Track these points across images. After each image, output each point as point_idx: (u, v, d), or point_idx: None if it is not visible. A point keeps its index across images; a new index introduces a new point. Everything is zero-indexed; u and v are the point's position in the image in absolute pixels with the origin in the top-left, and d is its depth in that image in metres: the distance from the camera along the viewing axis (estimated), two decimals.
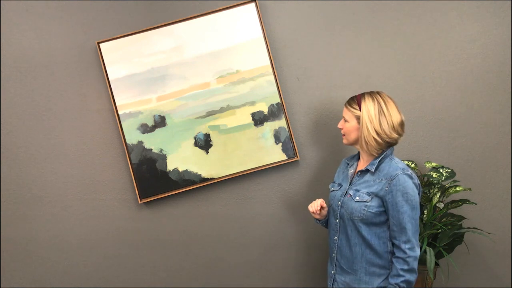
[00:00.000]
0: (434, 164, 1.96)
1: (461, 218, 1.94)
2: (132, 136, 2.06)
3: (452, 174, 1.91)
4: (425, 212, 1.89)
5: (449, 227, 1.89)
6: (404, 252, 1.52)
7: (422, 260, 1.88)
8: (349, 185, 1.67)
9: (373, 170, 1.60)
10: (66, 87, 2.10)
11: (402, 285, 1.52)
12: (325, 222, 1.80)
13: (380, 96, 1.61)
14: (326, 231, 2.11)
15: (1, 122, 2.10)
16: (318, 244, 2.13)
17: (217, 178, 2.07)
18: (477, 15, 2.11)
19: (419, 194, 1.57)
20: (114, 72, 2.06)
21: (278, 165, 2.09)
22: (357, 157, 1.74)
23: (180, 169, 2.07)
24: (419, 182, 1.59)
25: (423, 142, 2.12)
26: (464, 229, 1.89)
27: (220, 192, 2.13)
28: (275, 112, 2.08)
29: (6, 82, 2.10)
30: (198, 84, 2.07)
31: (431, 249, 1.80)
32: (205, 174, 2.08)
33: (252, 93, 2.07)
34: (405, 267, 1.51)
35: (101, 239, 2.12)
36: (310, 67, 2.12)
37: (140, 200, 2.06)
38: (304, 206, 2.11)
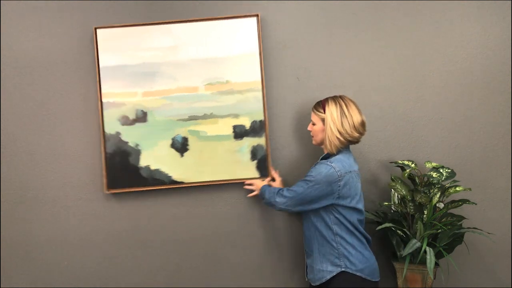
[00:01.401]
0: (434, 164, 1.96)
1: (461, 218, 1.93)
2: (111, 126, 2.06)
3: (452, 174, 1.91)
4: (425, 212, 1.89)
5: (449, 227, 1.89)
6: (283, 190, 1.82)
7: (422, 260, 1.89)
8: None
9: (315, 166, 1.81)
10: (66, 87, 2.10)
11: (275, 192, 1.84)
12: None
13: (342, 99, 1.79)
14: None
15: (1, 122, 2.10)
16: None
17: (186, 183, 2.07)
18: (477, 15, 2.11)
19: (334, 189, 1.71)
20: (105, 59, 2.05)
21: None
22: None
23: (152, 167, 2.07)
24: (338, 179, 1.71)
25: (423, 142, 2.12)
26: (464, 229, 1.89)
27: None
28: (256, 129, 2.08)
29: (6, 82, 2.10)
30: (186, 87, 2.08)
31: (431, 249, 1.80)
32: (175, 176, 2.07)
33: (238, 106, 2.07)
34: (282, 192, 1.81)
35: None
36: (310, 67, 2.12)
37: (107, 190, 2.06)
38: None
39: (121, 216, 2.13)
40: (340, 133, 1.75)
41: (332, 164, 1.72)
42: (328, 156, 1.83)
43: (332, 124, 1.76)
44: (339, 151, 1.79)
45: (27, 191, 2.11)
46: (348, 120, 1.75)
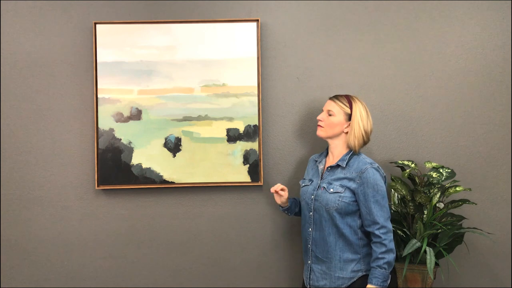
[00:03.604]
0: (434, 164, 1.96)
1: (461, 218, 1.94)
2: (105, 122, 2.06)
3: (452, 174, 1.91)
4: (425, 212, 1.89)
5: (449, 227, 1.89)
6: (379, 237, 1.64)
7: (422, 260, 1.89)
8: (321, 179, 1.78)
9: (344, 165, 1.73)
10: (65, 84, 2.10)
11: (384, 266, 1.63)
12: (287, 209, 1.94)
13: (362, 101, 1.78)
14: None
15: (1, 122, 2.10)
16: None
17: (177, 183, 2.07)
18: (477, 15, 2.11)
19: (385, 183, 1.72)
20: (103, 55, 2.06)
21: (239, 185, 2.11)
22: (325, 153, 1.86)
23: (144, 166, 2.07)
24: (385, 174, 1.74)
25: (423, 142, 2.12)
26: (464, 229, 1.89)
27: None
28: (250, 133, 2.08)
29: (4, 79, 2.10)
30: (182, 88, 2.07)
31: (431, 249, 1.80)
32: (166, 176, 2.07)
33: (233, 109, 2.07)
34: (383, 249, 1.63)
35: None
36: (310, 67, 2.12)
37: (98, 186, 2.06)
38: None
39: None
40: (365, 132, 1.73)
41: (376, 165, 1.70)
42: (346, 156, 1.75)
43: (360, 121, 1.72)
44: (352, 151, 1.75)
45: (27, 192, 2.10)
46: (370, 123, 1.75)
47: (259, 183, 2.08)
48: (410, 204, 1.93)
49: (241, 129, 2.08)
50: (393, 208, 2.00)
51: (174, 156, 2.08)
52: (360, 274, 1.70)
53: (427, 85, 2.12)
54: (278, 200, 1.87)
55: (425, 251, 1.81)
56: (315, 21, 2.12)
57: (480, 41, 2.11)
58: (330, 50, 2.12)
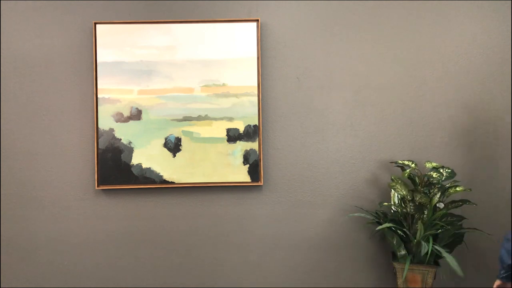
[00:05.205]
0: (434, 164, 1.96)
1: (461, 218, 1.94)
2: (105, 122, 2.06)
3: (452, 174, 1.91)
4: (425, 212, 1.89)
5: (449, 227, 1.89)
6: None
7: (422, 260, 1.89)
8: None
9: None
10: (65, 84, 2.10)
11: None
12: None
13: None
14: (323, 232, 2.12)
15: (1, 122, 2.10)
16: (317, 244, 2.14)
17: (177, 183, 2.07)
18: (477, 15, 2.11)
19: None
20: (103, 55, 2.06)
21: (239, 185, 2.11)
22: None
23: (144, 166, 2.07)
24: None
25: (423, 142, 2.12)
26: (464, 229, 1.89)
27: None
28: (250, 133, 2.08)
29: (5, 81, 2.09)
30: (182, 88, 2.08)
31: (442, 249, 1.80)
32: (166, 176, 2.08)
33: (233, 109, 2.08)
34: None
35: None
36: (310, 67, 2.12)
37: (98, 186, 2.06)
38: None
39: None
40: None
41: None
42: None
43: None
44: None
45: (27, 192, 2.10)
46: None
47: (259, 183, 2.08)
48: (410, 204, 1.93)
49: (241, 129, 2.08)
50: (393, 208, 2.00)
51: (174, 156, 2.08)
52: None
53: (427, 85, 2.12)
54: None
55: (438, 250, 1.80)
56: (315, 21, 2.12)
57: (480, 41, 2.11)
58: (330, 50, 2.12)
